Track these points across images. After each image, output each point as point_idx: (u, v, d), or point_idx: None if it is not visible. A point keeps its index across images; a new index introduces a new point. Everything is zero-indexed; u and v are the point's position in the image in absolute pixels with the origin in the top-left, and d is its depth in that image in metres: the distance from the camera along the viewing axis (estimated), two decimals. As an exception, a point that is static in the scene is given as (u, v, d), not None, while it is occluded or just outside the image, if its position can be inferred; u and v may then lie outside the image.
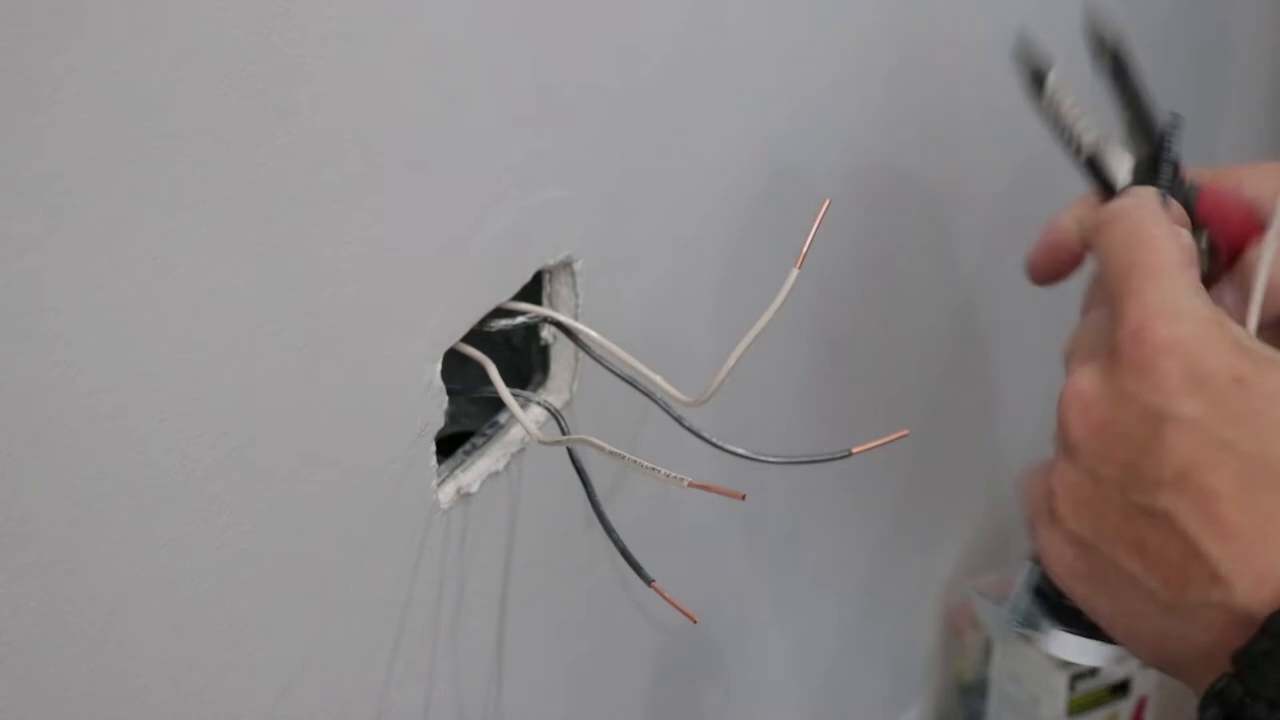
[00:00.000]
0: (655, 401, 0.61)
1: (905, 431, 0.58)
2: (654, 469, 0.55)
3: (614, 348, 0.61)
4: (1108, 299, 0.49)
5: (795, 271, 0.57)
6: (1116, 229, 0.50)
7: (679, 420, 0.61)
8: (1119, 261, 0.48)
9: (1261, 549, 0.42)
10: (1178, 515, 0.44)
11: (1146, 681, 1.14)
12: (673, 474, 0.54)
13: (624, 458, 0.56)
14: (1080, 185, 0.61)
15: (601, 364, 0.62)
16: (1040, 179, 1.22)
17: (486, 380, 0.58)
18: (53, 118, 0.38)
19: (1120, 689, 1.13)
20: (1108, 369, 0.47)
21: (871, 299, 0.96)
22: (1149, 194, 0.51)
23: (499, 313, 0.59)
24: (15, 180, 0.37)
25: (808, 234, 0.56)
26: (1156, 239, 0.48)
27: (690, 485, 0.53)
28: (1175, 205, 0.52)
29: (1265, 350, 0.46)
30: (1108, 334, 0.48)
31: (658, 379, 0.60)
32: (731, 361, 0.58)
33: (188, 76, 0.42)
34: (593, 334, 0.61)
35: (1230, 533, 0.43)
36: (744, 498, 0.54)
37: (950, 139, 1.02)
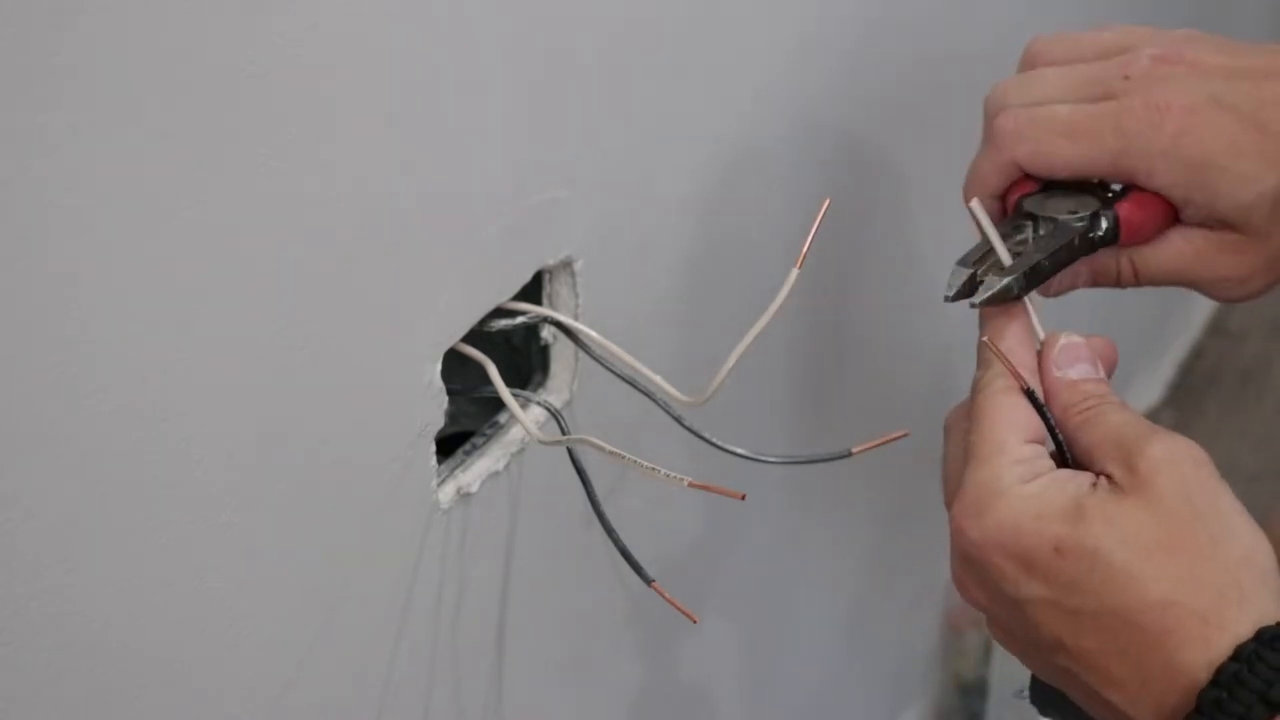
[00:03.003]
0: (655, 401, 0.61)
1: (906, 432, 0.58)
2: (653, 469, 0.55)
3: (614, 348, 0.61)
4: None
5: (795, 272, 0.57)
6: (955, 419, 0.53)
7: (678, 420, 0.61)
8: (953, 452, 0.52)
9: (1147, 690, 0.45)
10: (1075, 673, 0.47)
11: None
12: (672, 474, 0.54)
13: (624, 458, 0.56)
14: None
15: (602, 364, 0.62)
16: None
17: (486, 380, 0.58)
18: (53, 118, 0.38)
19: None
20: (965, 570, 0.50)
21: (871, 298, 0.96)
22: (991, 378, 0.52)
23: (499, 313, 0.59)
24: (15, 180, 0.37)
25: (808, 234, 0.56)
26: (980, 424, 0.51)
27: (690, 485, 0.53)
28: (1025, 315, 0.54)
29: (1070, 494, 0.48)
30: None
31: (657, 379, 0.60)
32: (731, 361, 0.58)
33: (187, 77, 0.42)
34: (592, 334, 0.61)
35: (1118, 683, 0.46)
36: (744, 498, 0.54)
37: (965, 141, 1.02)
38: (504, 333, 0.62)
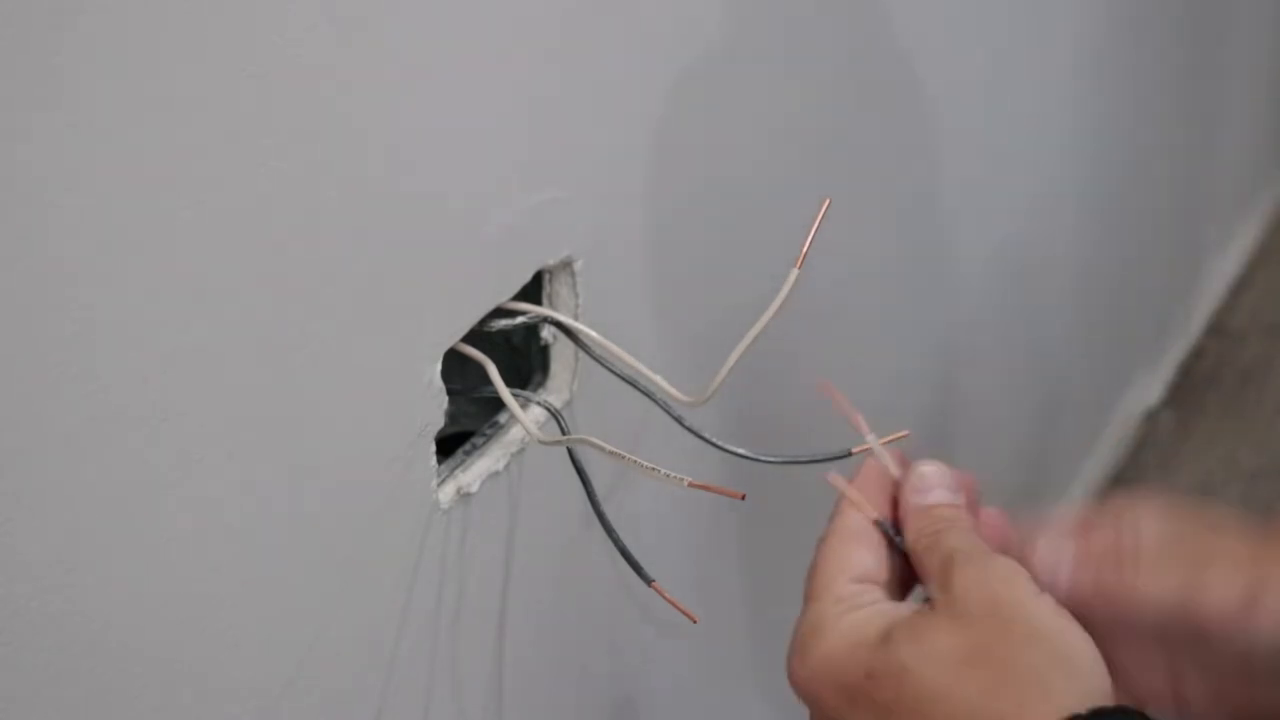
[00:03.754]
0: (655, 401, 0.61)
1: (905, 432, 0.58)
2: (653, 469, 0.55)
3: (614, 347, 0.61)
4: None
5: (795, 272, 0.57)
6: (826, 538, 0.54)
7: (679, 420, 0.61)
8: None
9: None
10: None
11: None
12: (672, 474, 0.54)
13: (623, 457, 0.56)
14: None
15: (602, 364, 0.62)
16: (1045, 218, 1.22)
17: (486, 380, 0.58)
18: (53, 118, 0.38)
19: (1120, 689, 1.13)
20: (803, 702, 0.51)
21: (871, 299, 0.96)
22: (838, 519, 0.55)
23: (499, 313, 0.59)
24: (15, 180, 0.37)
25: (808, 233, 0.56)
26: (816, 566, 0.53)
27: (690, 485, 0.53)
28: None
29: (886, 619, 0.49)
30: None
31: (657, 379, 0.60)
32: (731, 361, 0.58)
33: (187, 77, 0.42)
34: (592, 334, 0.61)
35: None
36: (744, 497, 0.54)
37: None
38: (504, 333, 0.62)
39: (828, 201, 0.58)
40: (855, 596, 0.51)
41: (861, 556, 0.53)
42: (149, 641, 0.45)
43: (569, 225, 0.60)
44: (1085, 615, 0.53)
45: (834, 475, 0.54)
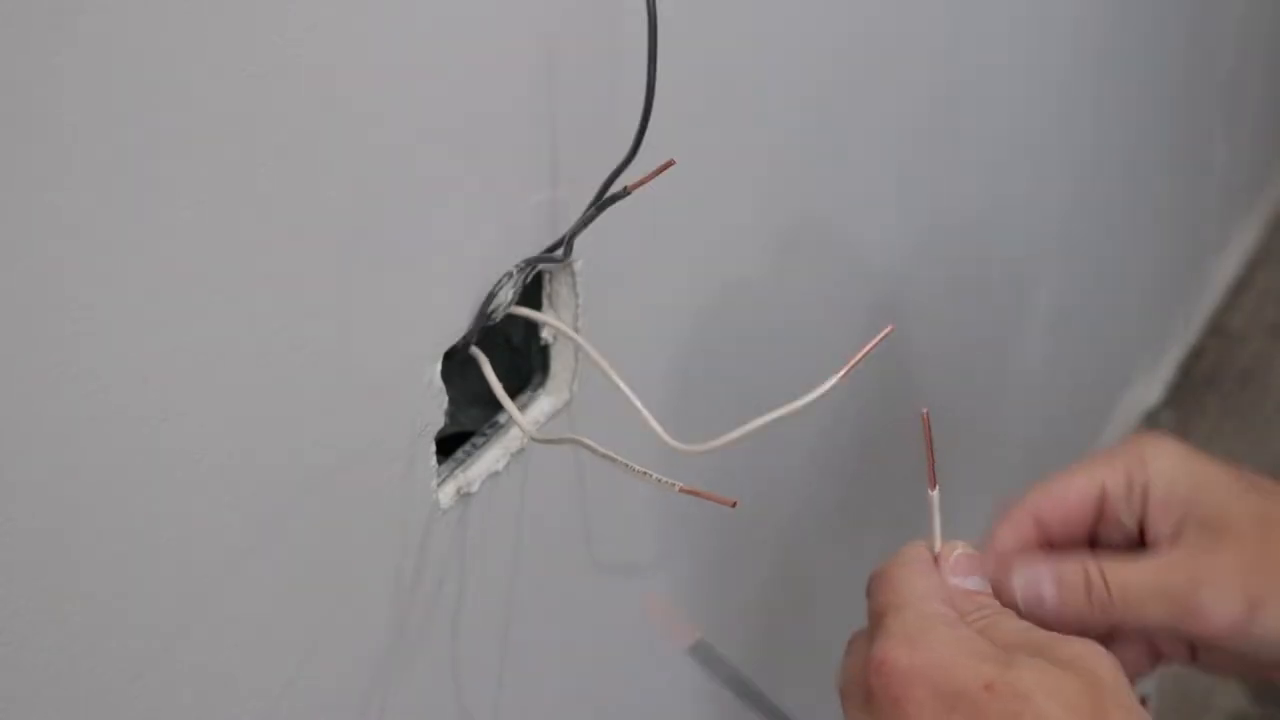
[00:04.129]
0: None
1: (891, 328, 0.56)
2: (645, 473, 0.54)
3: (612, 373, 0.60)
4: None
5: (834, 380, 0.56)
6: (873, 581, 0.53)
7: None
8: (873, 608, 0.52)
9: None
10: None
11: (1146, 682, 1.14)
12: (664, 479, 0.54)
13: (615, 460, 0.56)
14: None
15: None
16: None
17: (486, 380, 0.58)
18: (53, 117, 0.38)
19: (1120, 689, 1.13)
20: (870, 707, 0.49)
21: (874, 305, 0.96)
22: (910, 549, 0.55)
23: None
24: (15, 180, 0.37)
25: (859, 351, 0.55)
26: (897, 579, 0.52)
27: (681, 491, 0.53)
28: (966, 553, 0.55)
29: (1013, 643, 0.49)
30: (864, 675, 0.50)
31: (654, 423, 0.59)
32: (738, 433, 0.57)
33: (186, 77, 0.42)
34: (595, 354, 0.61)
35: None
36: (735, 505, 0.54)
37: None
38: (504, 332, 0.62)
39: (890, 327, 0.57)
40: (949, 615, 0.50)
41: (940, 582, 0.53)
42: (149, 641, 0.45)
43: (569, 225, 0.60)
44: (1082, 628, 0.54)
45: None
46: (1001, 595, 0.55)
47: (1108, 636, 0.58)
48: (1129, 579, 0.56)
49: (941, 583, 0.52)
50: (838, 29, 0.82)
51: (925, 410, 0.55)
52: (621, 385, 0.59)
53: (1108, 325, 1.50)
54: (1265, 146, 2.03)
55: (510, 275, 0.58)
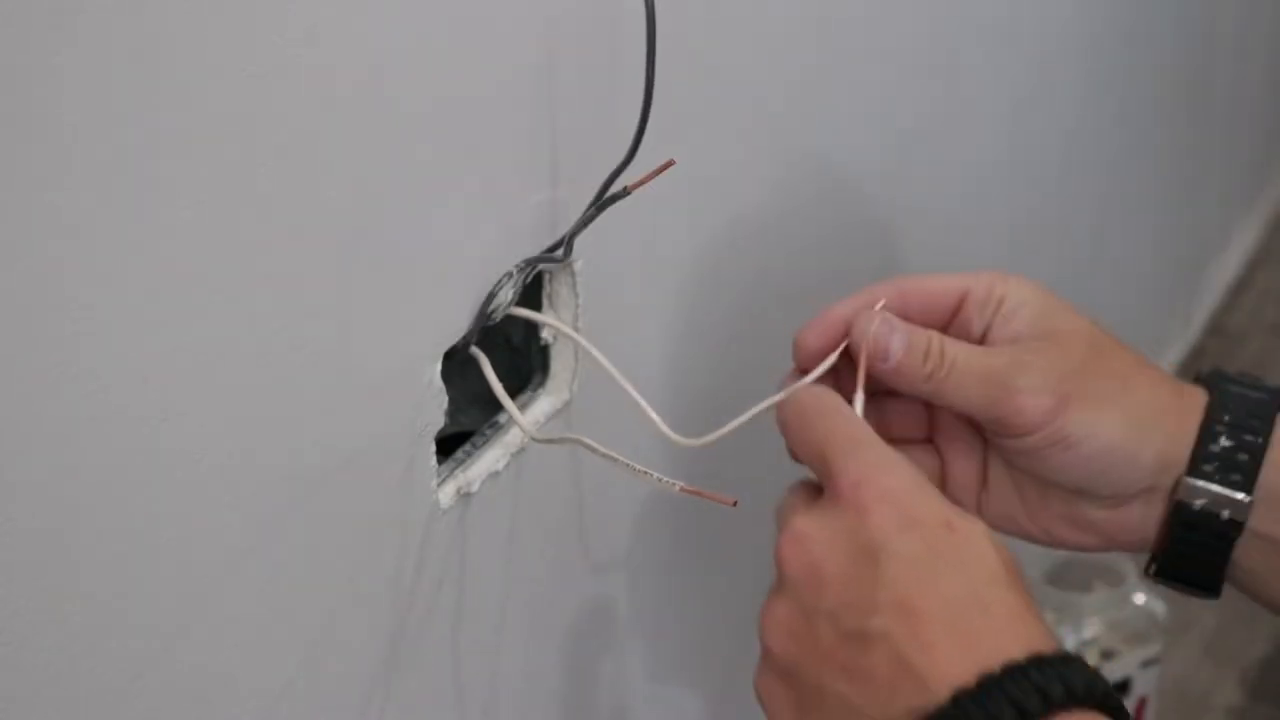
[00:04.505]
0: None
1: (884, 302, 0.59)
2: (646, 472, 0.54)
3: (612, 368, 0.61)
4: (815, 470, 0.56)
5: (830, 361, 0.62)
6: (807, 417, 0.58)
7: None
8: (815, 436, 0.56)
9: (960, 660, 0.48)
10: (891, 636, 0.49)
11: (1146, 681, 1.14)
12: (665, 478, 0.54)
13: (616, 460, 0.56)
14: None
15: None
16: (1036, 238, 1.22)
17: (485, 380, 0.58)
18: (52, 117, 0.38)
19: (1120, 689, 1.13)
20: (826, 514, 0.53)
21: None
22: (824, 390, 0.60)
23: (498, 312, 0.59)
24: (15, 180, 0.37)
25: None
26: (844, 413, 0.57)
27: (682, 491, 0.53)
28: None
29: (960, 510, 0.53)
30: (815, 495, 0.56)
31: (654, 415, 0.59)
32: (737, 422, 0.58)
33: (186, 76, 0.42)
34: (593, 351, 0.61)
35: (935, 647, 0.48)
36: (735, 504, 0.54)
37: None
38: (504, 332, 0.62)
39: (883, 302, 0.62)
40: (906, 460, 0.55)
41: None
42: (149, 641, 0.45)
43: (569, 225, 0.60)
44: (908, 391, 0.62)
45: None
46: (850, 337, 0.62)
47: (935, 421, 0.66)
48: (960, 354, 0.62)
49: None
50: (839, 31, 0.82)
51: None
52: (620, 380, 0.60)
53: (1107, 325, 1.50)
54: (1265, 146, 2.03)
55: (510, 275, 0.58)
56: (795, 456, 0.59)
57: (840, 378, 0.63)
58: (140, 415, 0.43)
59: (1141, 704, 1.15)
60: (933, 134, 0.98)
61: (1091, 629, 1.13)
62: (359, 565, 0.54)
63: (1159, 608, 1.15)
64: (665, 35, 0.56)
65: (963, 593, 0.50)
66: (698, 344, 0.75)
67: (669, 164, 0.54)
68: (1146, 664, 1.13)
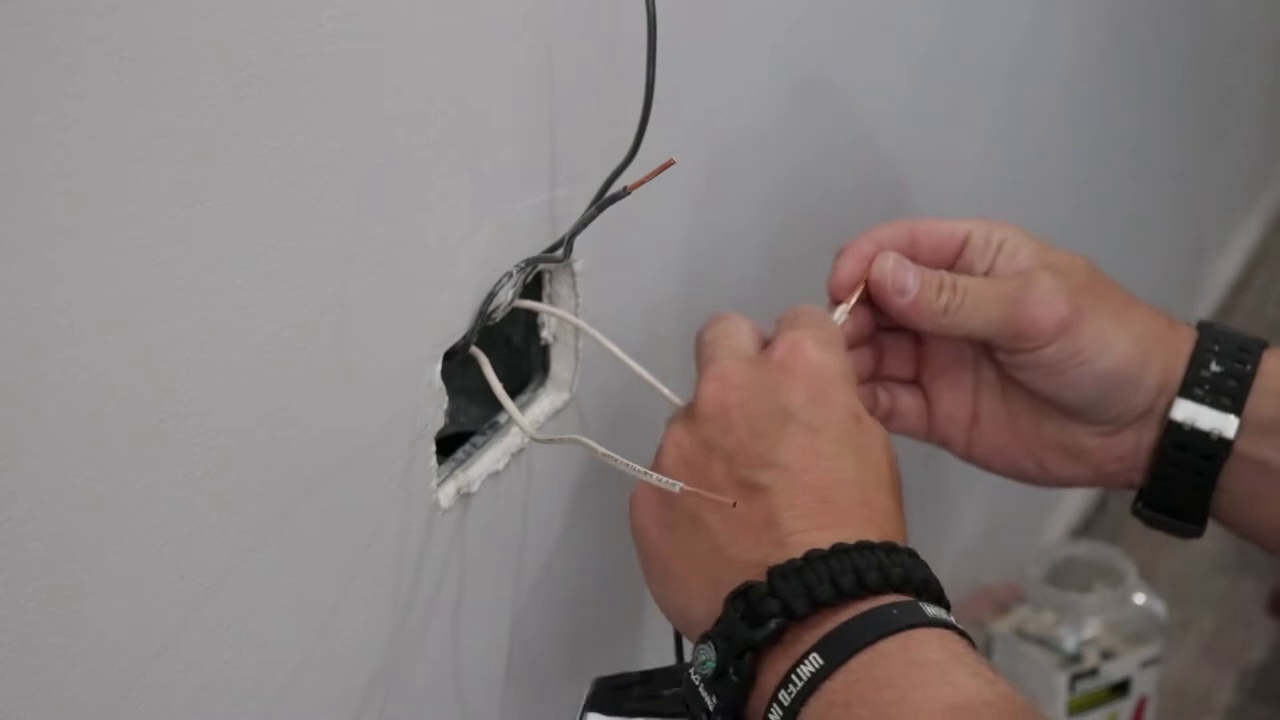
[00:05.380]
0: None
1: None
2: (646, 472, 0.54)
3: (616, 349, 0.61)
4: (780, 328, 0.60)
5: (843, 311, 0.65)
6: (795, 309, 0.62)
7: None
8: (792, 318, 0.61)
9: (823, 534, 0.52)
10: (774, 492, 0.54)
11: (1146, 681, 1.14)
12: (665, 478, 0.54)
13: (615, 460, 0.56)
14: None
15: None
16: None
17: (486, 380, 0.58)
18: (52, 117, 0.38)
19: (1120, 689, 1.13)
20: (756, 365, 0.57)
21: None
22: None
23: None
24: (15, 180, 0.37)
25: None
26: (824, 315, 0.63)
27: (682, 491, 0.53)
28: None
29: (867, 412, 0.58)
30: (757, 343, 0.60)
31: (665, 391, 0.60)
32: None
33: (186, 76, 0.42)
34: (595, 333, 0.61)
35: (809, 515, 0.53)
36: (735, 505, 0.54)
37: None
38: (504, 332, 0.62)
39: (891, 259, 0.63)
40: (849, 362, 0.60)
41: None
42: (149, 642, 0.45)
43: (569, 225, 0.60)
44: (925, 325, 0.65)
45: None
46: (870, 276, 0.65)
47: (923, 362, 0.70)
48: (972, 284, 0.66)
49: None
50: (842, 36, 0.82)
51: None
52: (626, 359, 0.61)
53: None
54: (1265, 146, 2.03)
55: (510, 275, 0.58)
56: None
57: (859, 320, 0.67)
58: (140, 415, 0.43)
59: (1141, 704, 1.15)
60: (934, 133, 0.98)
61: (1091, 629, 1.13)
62: (359, 565, 0.54)
63: (1159, 608, 1.15)
64: (666, 34, 0.56)
65: (851, 479, 0.54)
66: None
67: (669, 163, 0.55)
68: (1146, 664, 1.13)
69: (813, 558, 0.51)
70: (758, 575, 0.51)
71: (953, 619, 0.52)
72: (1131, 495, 0.71)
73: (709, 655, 0.51)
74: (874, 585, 0.50)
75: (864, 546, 0.51)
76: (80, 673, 0.43)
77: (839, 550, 0.51)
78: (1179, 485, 0.67)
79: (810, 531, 0.52)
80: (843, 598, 0.50)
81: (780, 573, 0.51)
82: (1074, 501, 1.43)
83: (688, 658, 0.54)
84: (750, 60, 0.73)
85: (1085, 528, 1.42)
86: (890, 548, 0.52)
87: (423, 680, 0.59)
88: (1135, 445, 0.67)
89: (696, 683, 0.52)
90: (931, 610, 0.51)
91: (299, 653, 0.52)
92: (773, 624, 0.50)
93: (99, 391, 0.41)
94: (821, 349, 0.57)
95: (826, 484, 0.54)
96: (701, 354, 0.60)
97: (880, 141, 0.90)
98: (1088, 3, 1.22)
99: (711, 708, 0.51)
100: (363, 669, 0.55)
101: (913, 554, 0.53)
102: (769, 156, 0.78)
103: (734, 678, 0.50)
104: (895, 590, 0.51)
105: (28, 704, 0.41)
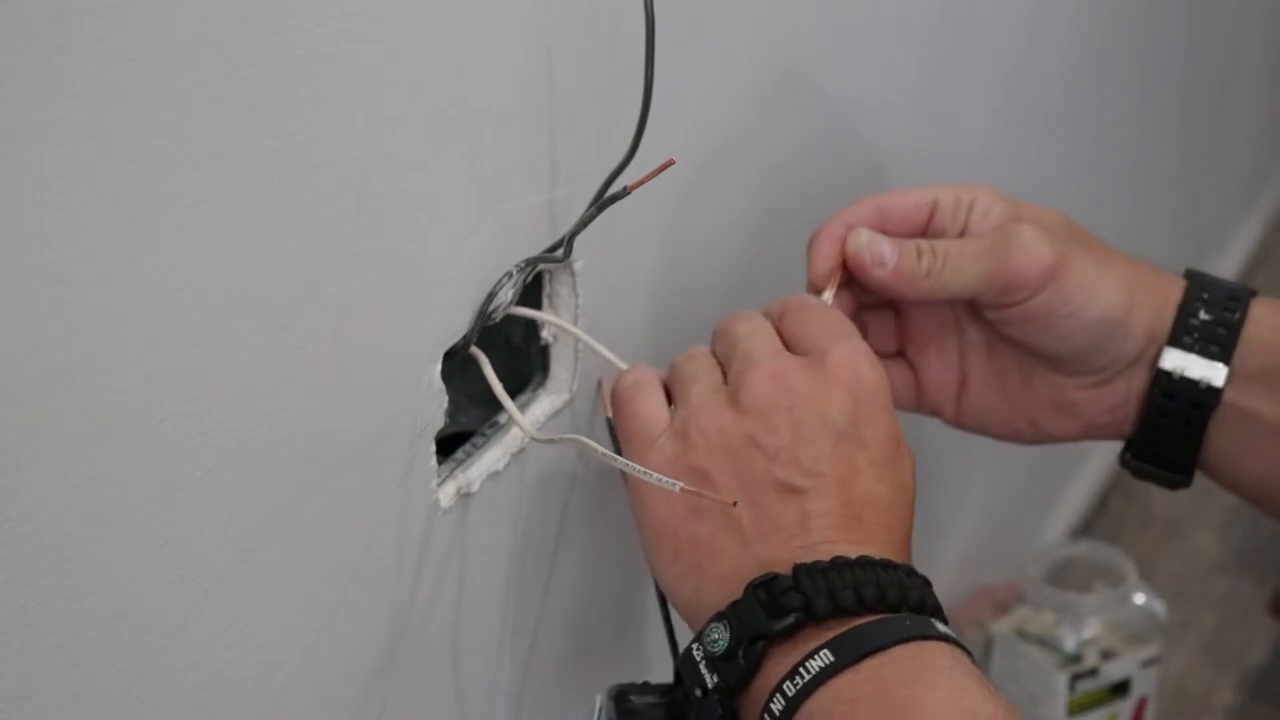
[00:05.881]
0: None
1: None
2: (646, 472, 0.55)
3: (613, 357, 0.61)
4: (795, 343, 0.60)
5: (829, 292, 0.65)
6: (804, 302, 0.63)
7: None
8: (810, 317, 0.61)
9: (851, 548, 0.53)
10: (810, 498, 0.54)
11: (1146, 681, 1.14)
12: (665, 478, 0.54)
13: (615, 460, 0.56)
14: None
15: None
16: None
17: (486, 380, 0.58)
18: (52, 117, 0.38)
19: (1120, 689, 1.13)
20: (810, 371, 0.57)
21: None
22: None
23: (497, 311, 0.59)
24: (15, 180, 0.37)
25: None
26: (836, 311, 0.63)
27: (682, 491, 0.53)
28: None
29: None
30: (808, 344, 0.59)
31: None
32: None
33: (186, 76, 0.42)
34: (594, 344, 0.61)
35: (841, 528, 0.54)
36: (735, 505, 0.54)
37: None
38: (504, 332, 0.62)
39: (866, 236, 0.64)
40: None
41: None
42: (149, 643, 0.45)
43: (569, 225, 0.60)
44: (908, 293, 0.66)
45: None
46: (846, 254, 0.66)
47: (906, 334, 0.70)
48: (951, 246, 0.66)
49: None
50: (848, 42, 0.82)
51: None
52: (619, 364, 0.60)
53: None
54: (1265, 146, 2.03)
55: (510, 275, 0.58)
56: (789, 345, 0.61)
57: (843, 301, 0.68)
58: (140, 415, 0.43)
59: (1141, 704, 1.15)
60: (933, 131, 0.98)
61: (1091, 629, 1.13)
62: (359, 565, 0.54)
63: (1159, 608, 1.15)
64: (664, 34, 0.56)
65: (883, 500, 0.55)
66: (698, 344, 0.75)
67: (669, 163, 0.55)
68: (1146, 664, 1.13)
69: (840, 564, 0.52)
70: (783, 570, 0.52)
71: (959, 638, 0.53)
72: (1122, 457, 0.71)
73: (722, 635, 0.52)
74: (892, 602, 0.51)
75: (888, 565, 0.53)
76: (80, 673, 0.43)
77: (865, 562, 0.52)
78: (1168, 435, 0.67)
79: (839, 542, 0.53)
80: (863, 607, 0.51)
81: (806, 570, 0.52)
82: (1074, 501, 1.43)
83: (681, 646, 0.55)
84: (750, 59, 0.73)
85: (1085, 528, 1.42)
86: (909, 570, 0.53)
87: (422, 680, 0.59)
88: (1125, 395, 0.68)
89: (699, 659, 0.53)
90: (942, 628, 0.52)
91: (299, 653, 0.52)
92: (792, 618, 0.51)
93: (99, 391, 0.41)
94: (872, 368, 0.57)
95: (860, 501, 0.55)
96: (737, 346, 0.59)
97: (884, 143, 0.90)
98: (1086, 3, 1.22)
99: (710, 685, 0.52)
100: (362, 669, 0.56)
101: (926, 581, 0.54)
102: (769, 156, 0.78)
103: (742, 661, 0.51)
104: (910, 610, 0.52)
105: (28, 704, 0.41)
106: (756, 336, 0.59)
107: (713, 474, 0.56)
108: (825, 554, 0.53)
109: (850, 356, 0.57)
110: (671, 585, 0.57)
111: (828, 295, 0.65)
